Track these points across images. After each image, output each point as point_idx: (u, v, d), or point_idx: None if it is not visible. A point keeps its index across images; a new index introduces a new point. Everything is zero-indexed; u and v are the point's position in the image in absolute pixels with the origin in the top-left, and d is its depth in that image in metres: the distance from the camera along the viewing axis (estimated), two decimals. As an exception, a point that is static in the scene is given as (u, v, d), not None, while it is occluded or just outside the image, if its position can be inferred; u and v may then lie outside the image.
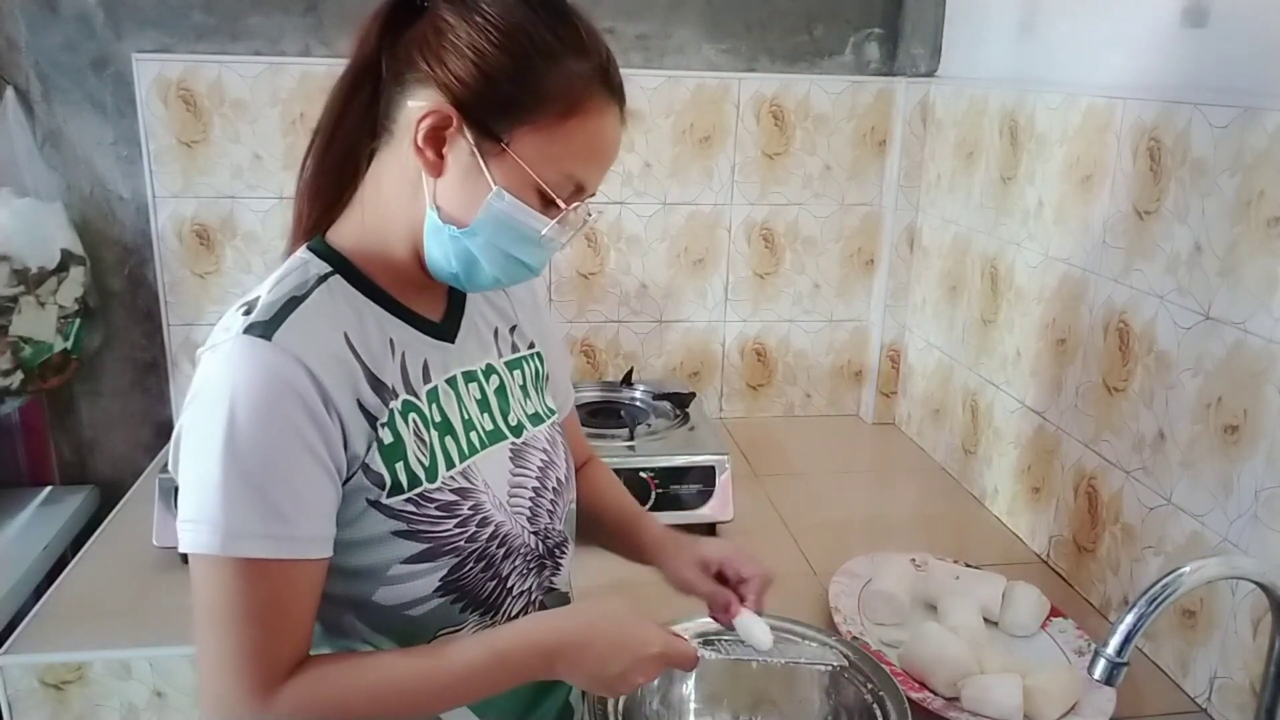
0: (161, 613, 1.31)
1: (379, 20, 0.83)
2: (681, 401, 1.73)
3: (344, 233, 0.87)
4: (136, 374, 1.86)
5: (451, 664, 0.80)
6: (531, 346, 1.02)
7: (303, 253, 0.86)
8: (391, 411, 0.82)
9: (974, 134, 1.71)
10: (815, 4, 1.88)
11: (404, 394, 0.84)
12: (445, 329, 0.91)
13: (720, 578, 1.01)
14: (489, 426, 0.92)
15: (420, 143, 0.80)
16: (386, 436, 0.81)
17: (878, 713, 1.00)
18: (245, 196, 1.77)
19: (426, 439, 0.85)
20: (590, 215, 0.89)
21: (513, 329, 1.00)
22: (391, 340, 0.84)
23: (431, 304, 0.91)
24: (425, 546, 0.83)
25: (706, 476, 1.52)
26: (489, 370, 0.94)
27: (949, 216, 1.81)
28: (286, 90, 1.72)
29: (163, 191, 1.75)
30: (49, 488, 1.82)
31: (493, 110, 0.79)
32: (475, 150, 0.79)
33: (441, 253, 0.83)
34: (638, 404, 1.80)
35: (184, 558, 0.76)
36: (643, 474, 1.49)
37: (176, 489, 0.77)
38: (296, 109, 1.73)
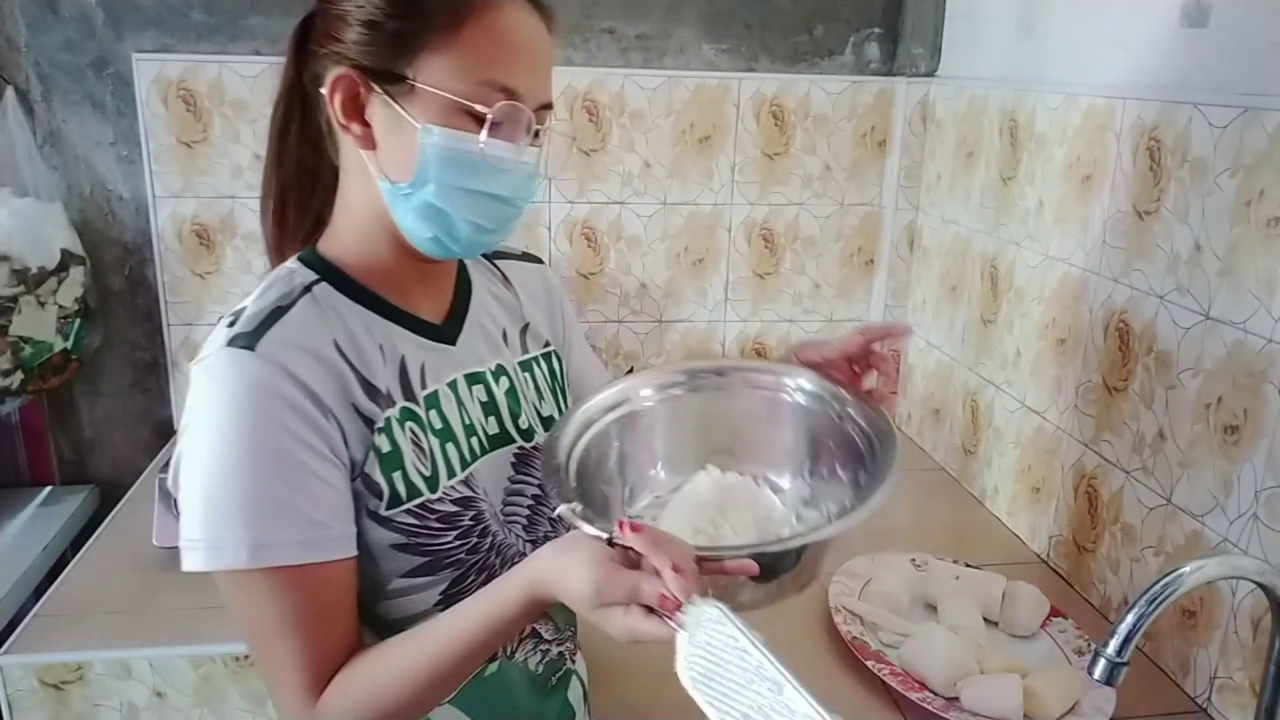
0: (161, 613, 1.31)
1: (290, 48, 0.85)
2: (681, 401, 1.73)
3: (332, 242, 0.86)
4: (136, 374, 1.86)
5: (451, 614, 0.77)
6: (546, 346, 1.00)
7: (291, 263, 0.85)
8: (388, 419, 0.81)
9: (974, 134, 1.71)
10: (815, 4, 1.88)
11: (401, 400, 0.82)
12: (447, 331, 0.89)
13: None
14: (493, 430, 0.90)
15: (343, 120, 0.79)
16: (384, 444, 0.80)
17: (855, 437, 0.91)
18: (245, 196, 1.77)
19: (426, 447, 0.83)
20: (541, 124, 0.82)
21: (524, 329, 0.98)
22: (384, 346, 0.83)
23: (434, 306, 0.89)
24: (425, 560, 0.81)
25: (706, 476, 1.51)
26: (499, 372, 0.92)
27: (949, 216, 1.81)
28: (286, 90, 1.72)
29: (163, 191, 1.75)
30: (49, 488, 1.82)
31: (386, 53, 0.78)
32: (389, 99, 0.78)
33: (409, 220, 0.81)
34: (638, 404, 1.79)
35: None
36: (643, 474, 1.48)
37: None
38: (296, 109, 1.73)
